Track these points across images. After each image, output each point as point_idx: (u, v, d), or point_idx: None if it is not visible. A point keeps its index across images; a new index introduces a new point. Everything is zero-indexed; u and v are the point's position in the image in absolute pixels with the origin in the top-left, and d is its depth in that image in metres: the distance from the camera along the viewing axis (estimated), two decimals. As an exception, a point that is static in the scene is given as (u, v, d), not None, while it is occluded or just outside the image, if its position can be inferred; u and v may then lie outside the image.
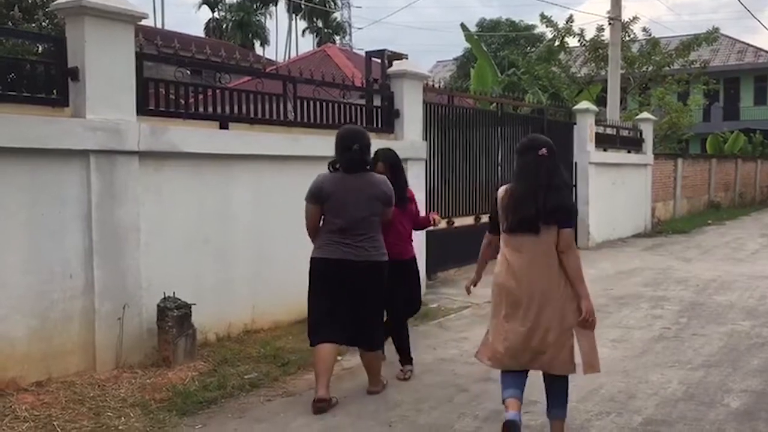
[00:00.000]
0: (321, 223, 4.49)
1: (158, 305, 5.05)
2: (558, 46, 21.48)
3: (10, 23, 10.45)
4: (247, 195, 6.01)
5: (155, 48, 5.51)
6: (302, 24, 54.74)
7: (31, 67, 4.80)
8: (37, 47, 6.41)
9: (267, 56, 40.12)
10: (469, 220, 9.49)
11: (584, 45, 20.93)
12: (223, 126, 5.85)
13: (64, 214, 4.69)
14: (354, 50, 29.97)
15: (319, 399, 4.27)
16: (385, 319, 4.78)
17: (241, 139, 5.92)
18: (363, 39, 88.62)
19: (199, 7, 51.41)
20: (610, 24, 16.34)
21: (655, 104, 20.25)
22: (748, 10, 27.22)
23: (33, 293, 4.53)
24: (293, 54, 46.36)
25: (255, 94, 6.16)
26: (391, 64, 7.84)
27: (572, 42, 21.38)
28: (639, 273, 9.71)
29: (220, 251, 5.76)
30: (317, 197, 4.40)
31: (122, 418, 4.12)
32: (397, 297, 4.83)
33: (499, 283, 3.68)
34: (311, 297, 4.51)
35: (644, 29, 21.12)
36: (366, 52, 8.58)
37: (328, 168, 4.50)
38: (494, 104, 11.01)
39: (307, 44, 54.21)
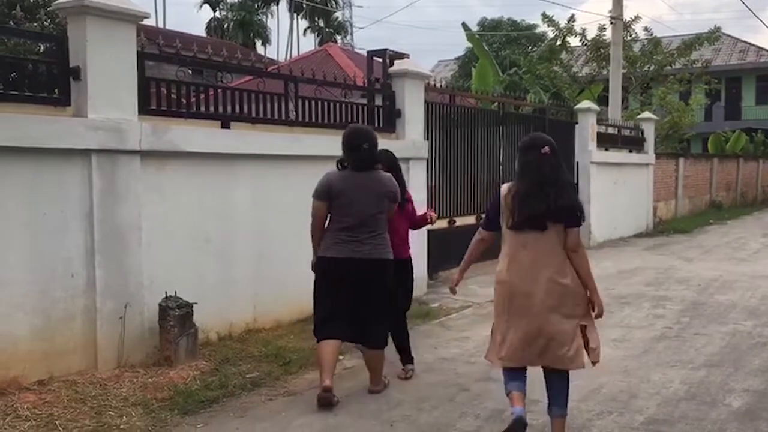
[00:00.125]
0: (326, 222, 4.51)
1: (160, 304, 5.05)
2: (559, 45, 21.47)
3: (11, 22, 10.47)
4: (248, 194, 6.02)
5: (157, 47, 5.52)
6: (304, 23, 54.72)
7: (33, 66, 4.81)
8: (39, 47, 6.42)
9: (268, 56, 40.11)
10: (470, 220, 9.49)
11: (586, 44, 20.91)
12: (225, 125, 5.86)
13: (65, 213, 4.69)
14: (355, 50, 29.96)
15: (326, 388, 4.29)
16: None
17: (242, 138, 5.93)
18: (364, 38, 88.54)
19: (201, 6, 51.43)
20: (611, 23, 16.33)
21: (656, 104, 20.24)
22: (750, 10, 27.27)
23: (35, 292, 4.54)
24: (295, 53, 46.37)
25: (256, 94, 6.16)
26: (392, 64, 7.84)
27: (574, 41, 21.39)
28: (640, 272, 9.71)
29: (221, 250, 5.77)
30: (326, 195, 4.42)
31: (124, 417, 4.12)
32: (397, 296, 4.84)
33: (503, 280, 3.68)
34: (317, 295, 4.55)
35: (646, 29, 21.10)
36: (367, 52, 8.59)
37: (337, 166, 4.52)
38: (496, 104, 11.01)
39: (308, 44, 54.16)
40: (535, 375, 3.81)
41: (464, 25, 21.65)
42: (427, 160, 8.33)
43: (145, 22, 5.37)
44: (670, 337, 6.12)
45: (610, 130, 13.97)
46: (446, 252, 8.68)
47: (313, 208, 4.49)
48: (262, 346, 5.53)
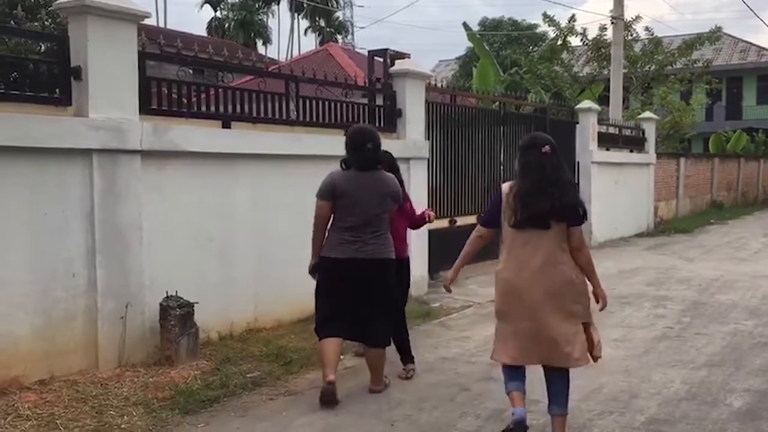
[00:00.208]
0: (330, 222, 4.51)
1: (161, 304, 5.06)
2: (560, 45, 21.45)
3: (12, 22, 10.47)
4: (249, 194, 6.02)
5: (158, 47, 5.52)
6: (304, 23, 54.71)
7: (34, 66, 4.80)
8: (40, 46, 6.41)
9: (269, 55, 40.16)
10: (471, 219, 9.46)
11: (587, 44, 20.90)
12: (226, 125, 5.86)
13: (66, 213, 4.69)
14: (356, 49, 29.92)
15: (330, 381, 4.31)
16: None
17: (243, 138, 5.93)
18: (365, 38, 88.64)
19: (202, 6, 51.41)
20: (612, 23, 16.33)
21: (657, 103, 20.23)
22: (751, 10, 27.21)
23: (36, 292, 4.54)
24: (295, 53, 46.40)
25: (257, 94, 6.16)
26: (393, 64, 7.84)
27: (575, 41, 21.36)
28: (641, 272, 9.71)
29: (222, 250, 5.77)
30: (330, 194, 4.43)
31: (125, 416, 4.12)
32: (398, 295, 4.85)
33: (505, 278, 3.69)
34: (319, 295, 4.56)
35: (647, 28, 21.11)
36: (368, 52, 8.59)
37: (341, 166, 4.52)
38: (497, 103, 11.00)
39: (309, 43, 54.21)
40: (536, 375, 3.82)
41: (465, 25, 21.63)
42: (428, 160, 8.33)
43: (146, 21, 5.38)
44: (671, 337, 6.11)
45: (611, 130, 13.96)
46: (447, 252, 8.62)
47: (317, 208, 4.48)
48: (263, 346, 5.53)
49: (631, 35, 20.00)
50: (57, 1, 4.94)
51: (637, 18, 19.99)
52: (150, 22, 8.31)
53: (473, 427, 4.06)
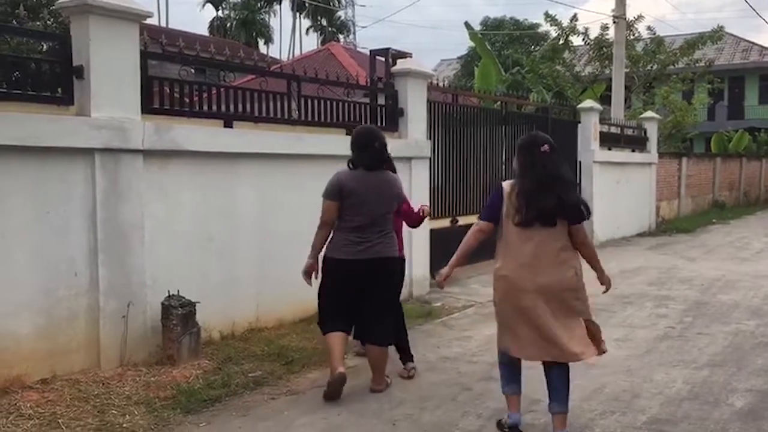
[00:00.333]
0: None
1: (163, 303, 5.06)
2: (562, 44, 21.42)
3: (14, 21, 10.49)
4: (251, 193, 6.02)
5: (160, 46, 5.52)
6: (306, 22, 54.72)
7: (36, 65, 4.81)
8: (42, 46, 6.41)
9: (271, 55, 40.18)
10: (473, 219, 9.36)
11: (588, 44, 20.87)
12: (228, 124, 5.86)
13: (69, 212, 4.70)
14: (358, 49, 29.90)
15: (340, 372, 4.32)
16: None
17: (245, 137, 5.93)
18: (367, 37, 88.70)
19: (204, 5, 51.44)
20: (614, 23, 16.33)
21: (659, 103, 20.20)
22: (753, 9, 27.11)
23: (38, 291, 4.55)
24: (297, 52, 46.40)
25: (259, 93, 6.16)
26: (395, 63, 7.84)
27: (576, 41, 21.34)
28: (643, 272, 9.70)
29: (224, 249, 5.77)
30: (337, 194, 4.42)
31: (126, 416, 4.13)
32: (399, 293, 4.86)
33: (504, 275, 3.69)
34: (323, 295, 4.58)
35: (649, 28, 21.10)
36: (370, 51, 8.59)
37: (348, 165, 4.52)
38: (498, 103, 11.01)
39: (311, 43, 54.21)
40: (536, 374, 3.82)
41: (467, 25, 21.60)
42: (430, 159, 8.33)
43: (148, 21, 5.38)
44: (673, 337, 6.11)
45: (613, 130, 13.94)
46: (448, 251, 8.58)
47: (324, 209, 4.47)
48: (264, 345, 5.53)
49: (633, 35, 19.96)
50: (59, 1, 4.94)
51: (639, 17, 19.98)
52: (152, 21, 8.32)
53: (475, 427, 4.06)
